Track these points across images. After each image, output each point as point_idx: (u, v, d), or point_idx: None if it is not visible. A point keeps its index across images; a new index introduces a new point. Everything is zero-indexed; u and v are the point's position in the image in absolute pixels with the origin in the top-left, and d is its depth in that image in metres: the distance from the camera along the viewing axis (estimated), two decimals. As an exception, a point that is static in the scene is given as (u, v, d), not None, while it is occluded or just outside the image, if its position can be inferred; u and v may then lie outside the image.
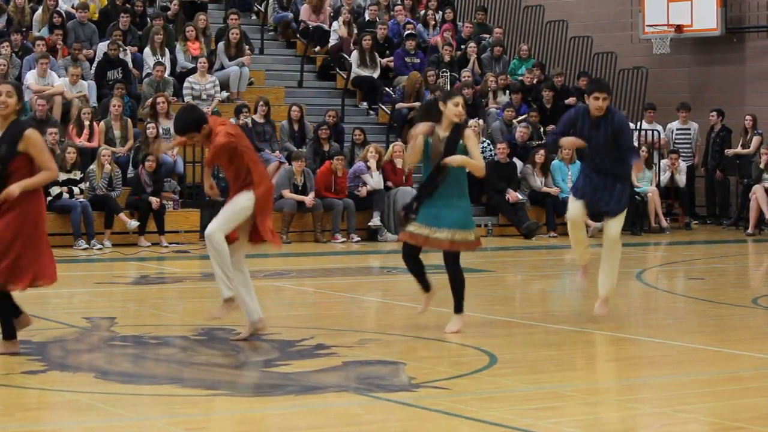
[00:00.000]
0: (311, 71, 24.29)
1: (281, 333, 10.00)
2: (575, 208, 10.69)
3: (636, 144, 22.86)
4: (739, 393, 7.85)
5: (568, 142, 10.75)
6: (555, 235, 20.61)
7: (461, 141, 9.82)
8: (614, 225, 10.61)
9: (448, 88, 22.74)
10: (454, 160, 9.73)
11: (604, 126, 10.47)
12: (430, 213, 9.80)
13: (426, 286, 10.18)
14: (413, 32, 24.18)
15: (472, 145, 9.85)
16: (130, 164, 19.38)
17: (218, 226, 9.43)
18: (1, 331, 8.76)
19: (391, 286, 14.55)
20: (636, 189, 21.56)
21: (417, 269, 10.07)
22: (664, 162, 22.72)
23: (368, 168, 20.06)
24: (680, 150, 23.14)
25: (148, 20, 22.94)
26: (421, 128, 9.93)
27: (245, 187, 9.48)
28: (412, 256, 10.02)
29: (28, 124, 8.77)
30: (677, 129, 23.56)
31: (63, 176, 18.04)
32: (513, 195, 20.69)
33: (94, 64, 21.34)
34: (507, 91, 23.43)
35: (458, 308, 10.03)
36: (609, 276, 10.69)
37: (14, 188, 8.46)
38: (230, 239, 9.52)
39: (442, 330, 10.01)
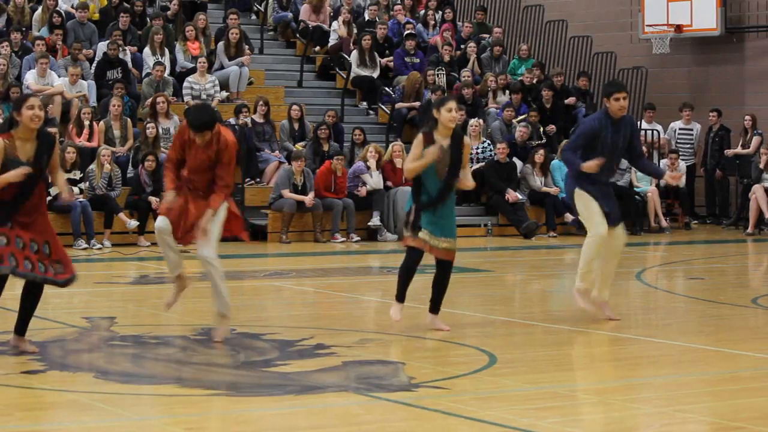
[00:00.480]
0: (311, 71, 24.29)
1: (281, 333, 10.00)
2: (604, 223, 10.53)
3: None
4: (739, 393, 7.85)
5: (591, 166, 10.38)
6: (554, 234, 20.60)
7: (462, 150, 9.93)
8: (622, 230, 10.72)
9: (444, 86, 22.75)
10: (469, 185, 9.99)
11: (623, 128, 10.47)
12: (439, 224, 9.87)
13: (404, 298, 10.13)
14: (413, 32, 24.18)
15: (465, 156, 9.98)
16: (130, 164, 19.38)
17: (214, 248, 9.45)
18: (19, 325, 8.95)
19: (391, 286, 14.45)
20: (636, 189, 21.58)
21: (409, 280, 10.09)
22: (664, 162, 22.71)
23: (368, 168, 20.06)
24: (682, 150, 23.13)
25: (148, 20, 22.94)
26: (433, 152, 9.87)
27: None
28: (414, 268, 10.04)
29: (50, 132, 9.12)
30: (680, 129, 23.53)
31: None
32: (512, 195, 20.68)
33: (94, 64, 21.35)
34: (507, 91, 23.43)
35: (438, 309, 10.14)
36: (609, 279, 10.76)
37: (68, 195, 9.01)
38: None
39: (442, 330, 10.01)
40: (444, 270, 10.06)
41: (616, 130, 10.45)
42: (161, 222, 9.51)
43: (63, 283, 8.79)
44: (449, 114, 9.82)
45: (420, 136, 9.93)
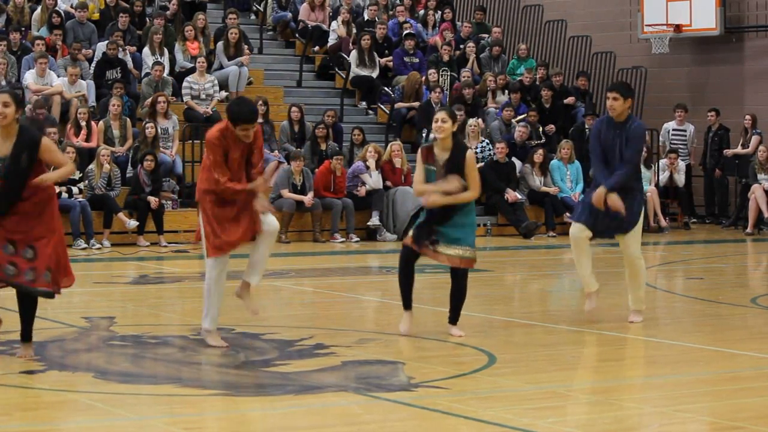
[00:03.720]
0: (310, 71, 24.29)
1: (280, 332, 10.00)
2: (578, 229, 10.45)
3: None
4: (738, 393, 7.85)
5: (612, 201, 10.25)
6: (554, 234, 20.61)
7: (465, 165, 9.63)
8: (631, 242, 10.46)
9: (447, 87, 22.77)
10: (435, 202, 9.60)
11: (625, 131, 10.36)
12: (448, 233, 9.64)
13: (409, 304, 9.87)
14: (412, 32, 24.19)
15: (470, 171, 9.65)
16: (129, 164, 19.38)
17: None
18: (25, 333, 8.70)
19: (390, 286, 14.50)
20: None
21: (409, 281, 9.82)
22: (663, 161, 22.72)
23: (367, 168, 20.06)
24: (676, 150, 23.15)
25: (147, 20, 22.95)
26: (450, 186, 9.66)
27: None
28: (410, 263, 9.76)
29: (37, 131, 8.71)
30: (673, 129, 23.54)
31: (62, 176, 18.05)
32: (512, 195, 20.69)
33: (93, 64, 21.35)
34: (506, 91, 23.43)
35: (455, 319, 9.92)
36: (637, 290, 10.65)
37: (48, 177, 8.44)
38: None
39: (442, 330, 10.01)
40: (454, 278, 9.82)
41: (616, 132, 10.38)
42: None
43: (34, 291, 8.45)
44: (434, 125, 9.72)
45: (419, 152, 9.84)
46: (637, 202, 10.45)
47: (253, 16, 25.59)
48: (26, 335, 8.70)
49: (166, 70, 21.36)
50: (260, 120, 20.61)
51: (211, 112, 20.77)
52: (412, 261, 9.80)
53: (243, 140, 9.12)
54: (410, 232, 9.78)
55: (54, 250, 8.49)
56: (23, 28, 21.67)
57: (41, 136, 8.58)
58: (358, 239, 19.56)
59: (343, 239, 19.45)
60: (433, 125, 9.70)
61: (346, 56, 23.49)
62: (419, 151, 9.86)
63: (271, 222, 9.32)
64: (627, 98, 10.39)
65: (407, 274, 9.83)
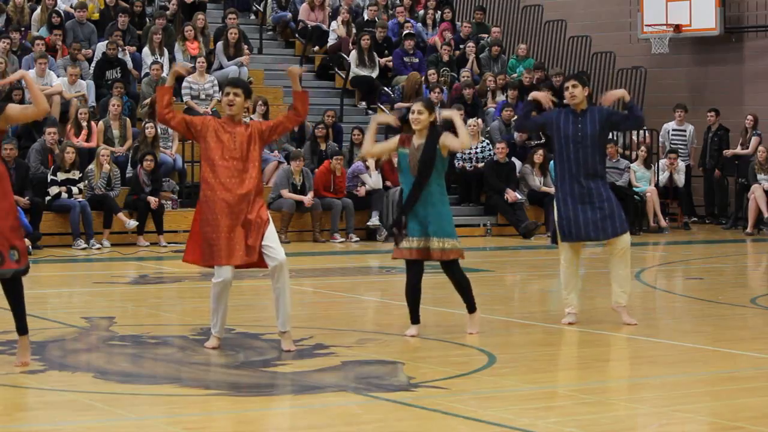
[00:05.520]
0: (310, 71, 24.29)
1: (280, 333, 9.99)
2: (567, 253, 10.53)
3: (635, 142, 22.90)
4: (738, 393, 7.85)
5: (541, 96, 10.66)
6: (554, 234, 20.60)
7: (438, 145, 9.70)
8: (625, 237, 10.55)
9: (446, 87, 22.78)
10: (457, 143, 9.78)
11: (591, 118, 10.41)
12: (427, 224, 9.64)
13: (417, 319, 9.86)
14: (412, 32, 24.20)
15: (444, 138, 9.75)
16: (129, 164, 19.38)
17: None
18: (20, 326, 8.47)
19: (390, 286, 14.54)
20: (635, 189, 21.57)
21: (416, 298, 9.81)
22: (663, 162, 22.72)
23: (367, 168, 20.06)
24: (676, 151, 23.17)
25: (147, 20, 22.95)
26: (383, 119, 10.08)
27: (260, 193, 9.21)
28: (415, 284, 9.74)
29: (4, 101, 8.63)
30: (673, 130, 23.57)
31: (62, 176, 18.05)
32: (512, 195, 20.69)
33: (93, 64, 21.35)
34: (506, 91, 23.42)
35: (472, 308, 9.99)
36: (628, 283, 10.68)
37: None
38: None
39: (442, 330, 10.02)
40: (448, 271, 9.84)
41: (578, 120, 10.42)
42: (227, 273, 9.09)
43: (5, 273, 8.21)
44: (410, 116, 9.86)
45: (398, 137, 10.02)
46: (611, 192, 10.51)
47: (252, 16, 25.60)
48: (21, 328, 8.44)
49: (166, 70, 21.35)
50: (260, 119, 20.62)
51: (210, 112, 20.77)
52: (418, 278, 9.74)
53: (226, 110, 9.03)
54: (401, 242, 9.70)
55: (16, 227, 8.32)
56: (23, 28, 21.68)
57: (5, 105, 8.50)
58: (358, 239, 19.57)
59: (343, 239, 19.46)
60: (410, 116, 9.84)
61: (345, 56, 23.50)
62: (398, 136, 9.97)
63: (276, 255, 9.15)
64: (585, 86, 10.54)
65: (414, 292, 9.81)
